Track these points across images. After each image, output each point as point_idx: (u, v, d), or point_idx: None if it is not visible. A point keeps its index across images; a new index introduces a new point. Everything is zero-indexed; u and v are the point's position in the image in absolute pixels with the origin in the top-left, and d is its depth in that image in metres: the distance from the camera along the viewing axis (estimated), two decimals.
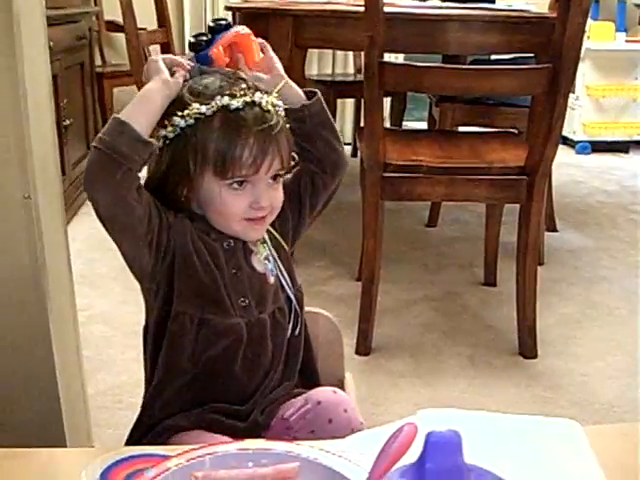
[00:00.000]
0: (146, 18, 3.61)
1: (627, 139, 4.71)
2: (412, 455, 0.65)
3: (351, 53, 4.56)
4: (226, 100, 0.98)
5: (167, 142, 1.00)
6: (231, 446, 0.78)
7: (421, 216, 3.32)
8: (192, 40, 1.07)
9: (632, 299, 2.56)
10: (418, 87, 2.27)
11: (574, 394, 1.99)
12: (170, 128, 0.99)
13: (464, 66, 2.68)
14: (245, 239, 1.05)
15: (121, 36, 3.80)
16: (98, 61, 4.25)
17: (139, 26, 3.25)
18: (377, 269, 2.16)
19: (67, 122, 3.15)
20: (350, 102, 4.65)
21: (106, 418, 1.81)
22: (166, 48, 3.73)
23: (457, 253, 2.99)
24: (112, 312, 2.39)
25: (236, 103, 0.98)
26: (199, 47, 1.07)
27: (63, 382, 1.34)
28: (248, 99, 0.99)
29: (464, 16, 2.32)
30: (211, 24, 1.09)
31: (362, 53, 2.14)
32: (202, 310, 1.01)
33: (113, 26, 4.33)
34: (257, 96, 1.00)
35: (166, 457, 0.76)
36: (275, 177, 1.02)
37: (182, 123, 0.98)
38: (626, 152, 4.73)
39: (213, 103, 0.98)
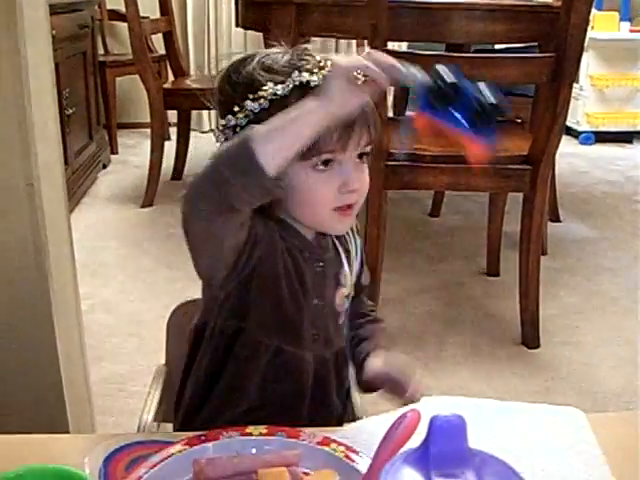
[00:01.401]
0: (149, 7, 3.62)
1: (631, 129, 4.70)
2: (416, 441, 0.65)
3: (354, 41, 4.55)
4: (305, 76, 0.85)
5: (238, 130, 0.86)
6: (234, 432, 0.78)
7: (424, 206, 3.32)
8: (438, 80, 0.78)
9: (635, 289, 2.56)
10: None
11: (576, 383, 1.99)
12: (241, 115, 0.87)
13: (468, 54, 2.67)
14: (332, 232, 0.96)
15: (123, 25, 3.79)
16: (100, 50, 4.24)
17: (142, 15, 3.25)
18: (380, 258, 2.16)
19: (70, 111, 3.15)
20: None
21: (109, 405, 1.82)
22: (168, 37, 3.72)
23: (460, 243, 2.99)
24: (114, 301, 2.39)
25: (316, 79, 0.85)
26: (434, 89, 0.78)
27: (66, 369, 1.34)
28: (327, 72, 0.85)
29: (468, 5, 2.31)
30: (491, 102, 0.80)
31: (365, 42, 2.13)
32: (279, 340, 0.91)
33: (116, 15, 4.34)
34: None
35: (169, 443, 0.77)
36: (361, 155, 0.90)
37: (256, 107, 0.86)
38: (630, 142, 4.72)
39: (289, 81, 0.86)
